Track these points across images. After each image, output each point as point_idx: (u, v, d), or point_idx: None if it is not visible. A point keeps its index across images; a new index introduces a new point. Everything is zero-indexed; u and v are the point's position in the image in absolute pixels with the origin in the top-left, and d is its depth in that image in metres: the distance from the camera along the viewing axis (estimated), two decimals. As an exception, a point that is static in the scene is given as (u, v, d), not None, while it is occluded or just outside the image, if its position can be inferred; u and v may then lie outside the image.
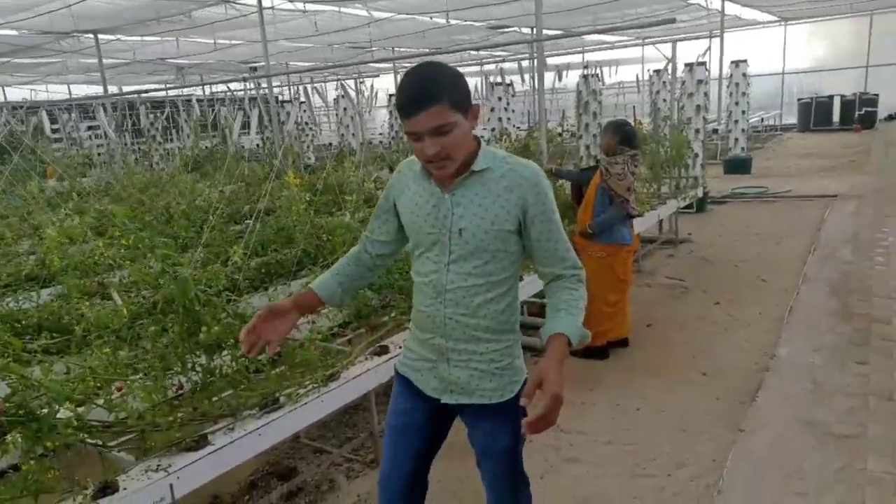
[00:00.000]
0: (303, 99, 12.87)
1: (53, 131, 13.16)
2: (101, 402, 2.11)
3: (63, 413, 2.00)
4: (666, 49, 8.28)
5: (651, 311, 4.96)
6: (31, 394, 1.90)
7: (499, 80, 9.73)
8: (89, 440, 2.02)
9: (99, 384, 2.23)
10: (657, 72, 9.49)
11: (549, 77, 12.39)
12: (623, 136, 4.04)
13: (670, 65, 8.12)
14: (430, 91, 1.51)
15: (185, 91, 15.15)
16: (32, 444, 1.86)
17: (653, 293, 5.44)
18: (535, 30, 6.19)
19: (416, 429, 1.85)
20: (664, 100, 9.20)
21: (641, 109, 11.68)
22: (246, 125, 11.21)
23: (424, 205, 1.70)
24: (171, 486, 2.08)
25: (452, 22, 12.17)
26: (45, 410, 1.90)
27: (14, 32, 9.13)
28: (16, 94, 15.16)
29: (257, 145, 12.35)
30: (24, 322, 3.33)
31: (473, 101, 1.61)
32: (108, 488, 1.97)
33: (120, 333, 2.74)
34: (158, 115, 11.29)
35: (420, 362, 1.83)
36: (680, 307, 5.07)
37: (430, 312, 1.73)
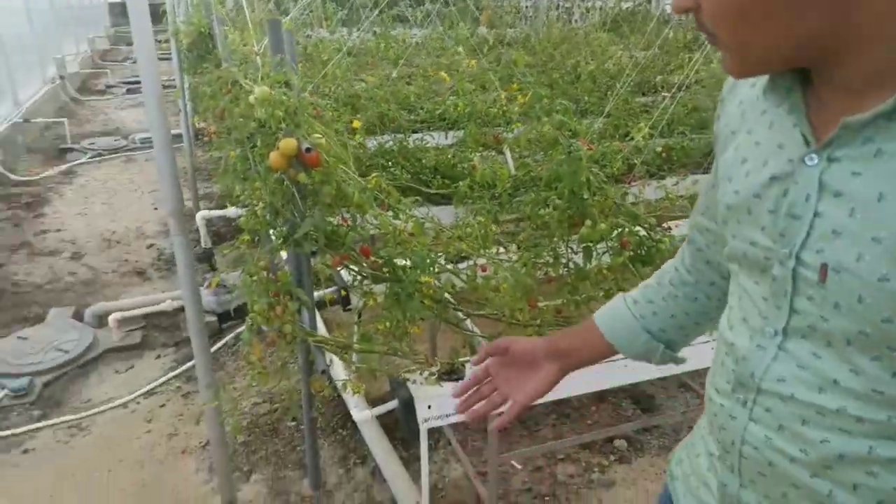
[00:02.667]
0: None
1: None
2: (464, 276, 1.90)
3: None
4: None
5: None
6: (398, 250, 1.74)
7: None
8: (445, 317, 1.82)
9: (468, 251, 2.05)
10: None
11: None
12: None
13: None
14: None
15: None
16: (391, 304, 1.72)
17: None
18: None
19: None
20: None
21: None
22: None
23: (759, 163, 0.68)
24: (513, 392, 1.82)
25: None
26: (409, 273, 1.72)
27: None
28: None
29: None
30: (423, 161, 3.45)
31: None
32: (454, 373, 1.80)
33: (501, 199, 2.52)
34: (589, -35, 10.80)
35: (689, 482, 0.87)
36: None
37: (719, 413, 0.76)
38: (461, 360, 1.84)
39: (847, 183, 0.60)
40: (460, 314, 1.93)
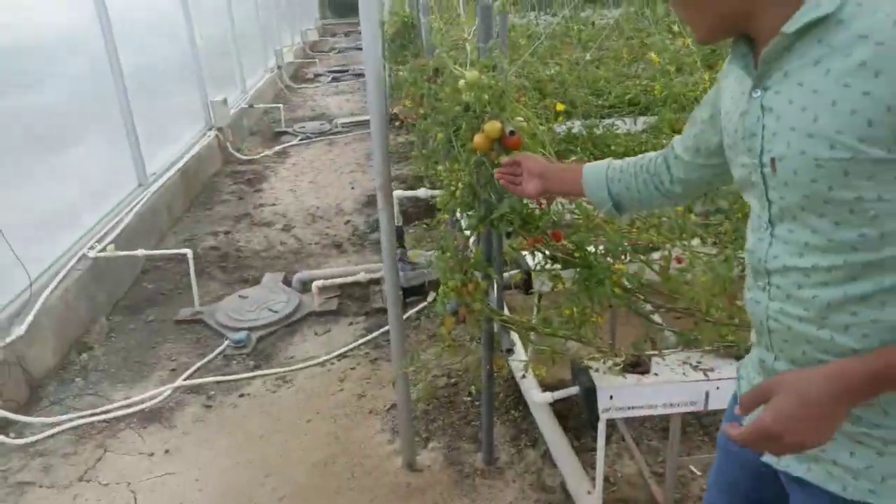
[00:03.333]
0: None
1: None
2: (656, 266, 1.82)
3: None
4: None
5: None
6: (590, 237, 1.72)
7: None
8: (635, 308, 1.77)
9: (662, 241, 1.96)
10: None
11: None
12: None
13: None
14: None
15: None
16: (580, 289, 1.71)
17: None
18: None
19: (732, 479, 1.18)
20: None
21: None
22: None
23: (734, 110, 0.97)
24: (706, 393, 1.72)
25: None
26: (600, 259, 1.69)
27: None
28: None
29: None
30: (613, 147, 3.35)
31: None
32: (639, 365, 1.75)
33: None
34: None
35: (749, 376, 1.10)
36: None
37: (750, 304, 1.02)
38: (647, 353, 1.78)
39: (774, 101, 0.86)
40: (649, 306, 1.86)
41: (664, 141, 3.45)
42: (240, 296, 3.64)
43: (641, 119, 4.33)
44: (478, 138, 1.52)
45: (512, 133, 1.47)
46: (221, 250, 4.39)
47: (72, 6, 3.98)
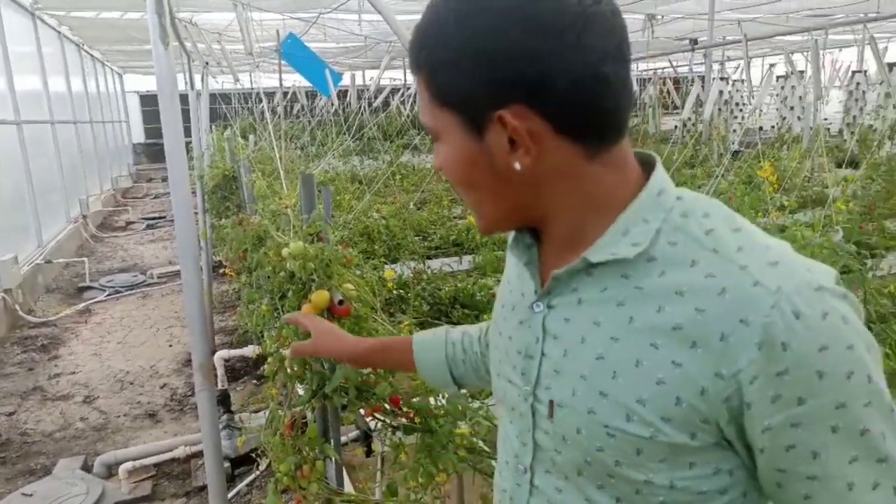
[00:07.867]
0: (738, 77, 11.38)
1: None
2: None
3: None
4: None
5: None
6: (428, 402, 1.66)
7: None
8: (481, 468, 1.70)
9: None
10: None
11: None
12: None
13: None
14: (413, 42, 0.67)
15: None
16: (424, 456, 1.61)
17: None
18: None
19: None
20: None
21: None
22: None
23: (511, 312, 0.77)
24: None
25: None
26: (441, 424, 1.63)
27: None
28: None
29: (675, 126, 11.56)
30: (442, 291, 3.43)
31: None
32: (491, 531, 1.65)
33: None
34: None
35: None
36: None
37: None
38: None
39: (561, 327, 0.68)
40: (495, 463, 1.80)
41: (490, 282, 3.62)
42: (23, 493, 3.01)
43: (466, 258, 4.55)
44: (305, 309, 1.43)
45: (341, 302, 1.41)
46: (2, 437, 3.66)
47: None
